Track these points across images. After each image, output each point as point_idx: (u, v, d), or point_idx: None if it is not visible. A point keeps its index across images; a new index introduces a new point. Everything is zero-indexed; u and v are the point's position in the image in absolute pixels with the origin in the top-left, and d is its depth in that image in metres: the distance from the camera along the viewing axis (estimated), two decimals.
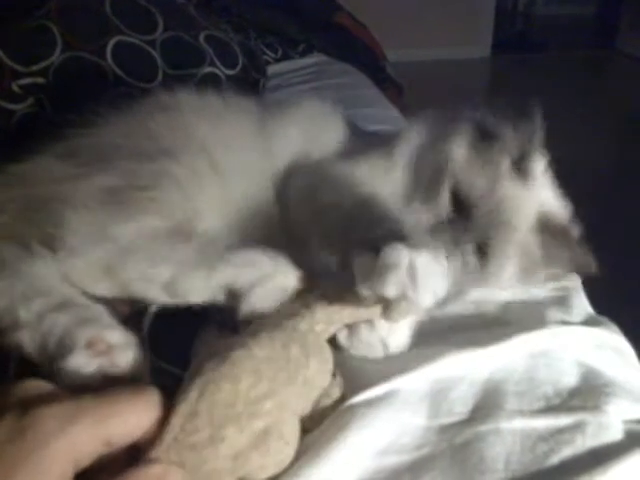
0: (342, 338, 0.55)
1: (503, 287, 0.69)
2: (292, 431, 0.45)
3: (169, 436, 0.38)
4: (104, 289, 0.55)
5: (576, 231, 0.69)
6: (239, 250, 0.55)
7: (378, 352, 0.56)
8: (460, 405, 0.53)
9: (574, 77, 4.16)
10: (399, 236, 0.50)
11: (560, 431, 0.50)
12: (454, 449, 0.49)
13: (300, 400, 0.47)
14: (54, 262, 0.54)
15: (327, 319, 0.50)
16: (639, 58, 4.45)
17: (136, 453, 0.39)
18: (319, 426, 0.49)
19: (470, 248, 0.64)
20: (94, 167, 0.62)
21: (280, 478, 0.44)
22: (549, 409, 0.53)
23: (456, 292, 0.62)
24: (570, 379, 0.57)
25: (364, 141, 0.76)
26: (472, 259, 0.64)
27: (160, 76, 1.15)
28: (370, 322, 0.54)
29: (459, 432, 0.51)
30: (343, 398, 0.52)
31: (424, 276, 0.46)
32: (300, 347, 0.47)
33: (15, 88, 1.03)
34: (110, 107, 0.70)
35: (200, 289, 0.53)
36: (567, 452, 0.48)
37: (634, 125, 3.33)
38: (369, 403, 0.51)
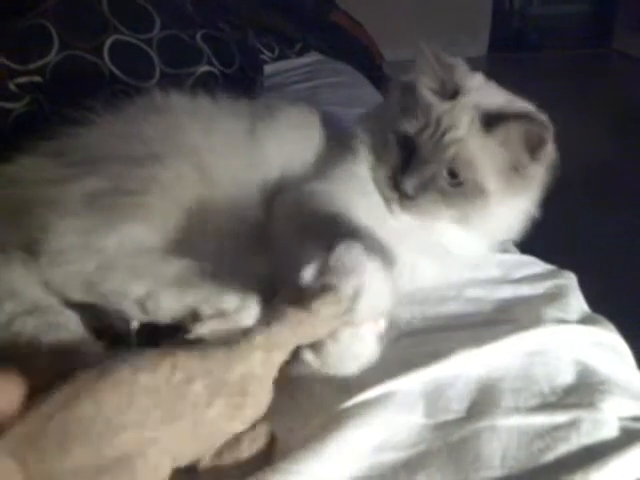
0: (310, 359, 0.51)
1: (513, 206, 0.71)
2: (153, 470, 0.41)
3: (20, 429, 0.36)
4: (81, 298, 0.55)
5: (532, 112, 0.71)
6: (215, 277, 0.54)
7: (351, 365, 0.51)
8: (457, 403, 0.54)
9: (570, 76, 4.16)
10: (353, 237, 0.52)
11: (555, 428, 0.51)
12: (450, 446, 0.49)
13: (186, 441, 0.42)
14: (35, 268, 0.55)
15: (266, 344, 0.46)
16: (634, 57, 4.46)
17: None
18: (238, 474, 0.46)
19: (435, 179, 0.68)
20: (83, 168, 0.62)
21: (276, 474, 0.45)
22: (545, 406, 0.53)
23: (461, 220, 0.70)
24: (566, 377, 0.58)
25: (339, 141, 0.77)
26: (447, 187, 0.68)
27: (157, 75, 1.14)
28: (332, 335, 0.50)
29: (455, 429, 0.51)
30: (267, 454, 0.47)
31: (350, 268, 0.48)
32: (209, 385, 0.43)
33: (12, 87, 1.03)
34: (105, 106, 0.70)
35: (169, 309, 0.52)
36: (562, 449, 0.49)
37: (631, 123, 3.33)
38: (365, 404, 0.52)
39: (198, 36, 1.25)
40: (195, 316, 0.51)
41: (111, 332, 0.54)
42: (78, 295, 0.55)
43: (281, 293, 0.50)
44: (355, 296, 0.47)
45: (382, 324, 0.53)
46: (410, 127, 0.70)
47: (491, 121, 0.68)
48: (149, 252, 0.58)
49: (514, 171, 0.69)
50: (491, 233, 0.73)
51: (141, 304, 0.53)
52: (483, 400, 0.54)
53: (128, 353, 0.43)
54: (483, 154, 0.68)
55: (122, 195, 0.61)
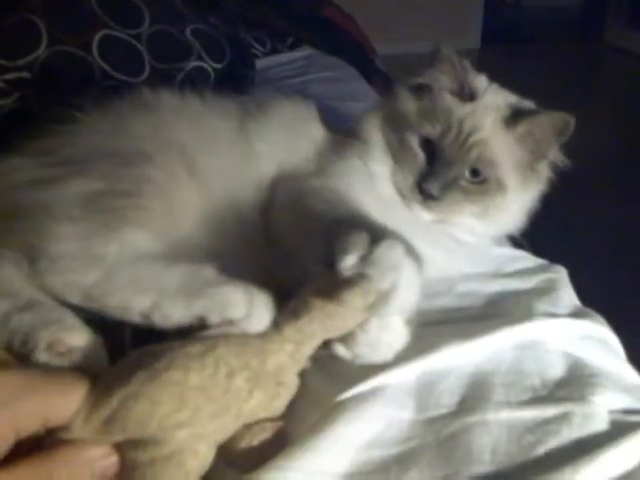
0: (342, 352, 0.51)
1: (523, 200, 0.74)
2: (200, 460, 0.43)
3: (87, 428, 0.39)
4: (81, 305, 0.54)
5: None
6: (221, 283, 0.54)
7: (384, 353, 0.52)
8: (447, 397, 0.54)
9: (563, 68, 4.17)
10: (386, 233, 0.53)
11: (546, 422, 0.51)
12: (441, 441, 0.49)
13: (228, 432, 0.45)
14: (28, 269, 0.54)
15: (297, 336, 0.47)
16: (626, 50, 4.47)
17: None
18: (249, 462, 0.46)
19: (458, 179, 0.70)
20: (71, 168, 0.62)
21: (268, 471, 0.45)
22: (536, 400, 0.53)
23: (483, 216, 0.72)
24: (557, 370, 0.58)
25: (343, 136, 0.77)
26: (470, 186, 0.71)
27: (147, 70, 1.14)
28: (361, 326, 0.50)
29: (446, 424, 0.51)
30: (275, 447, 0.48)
31: (391, 264, 0.49)
32: (249, 377, 0.44)
33: (0, 83, 1.02)
34: (94, 103, 0.69)
35: (176, 318, 0.52)
36: (553, 443, 0.49)
37: (622, 116, 3.35)
38: (357, 398, 0.52)
39: (188, 31, 1.24)
40: (202, 322, 0.51)
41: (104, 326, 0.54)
42: (77, 302, 0.54)
43: (308, 286, 0.50)
44: (389, 292, 0.49)
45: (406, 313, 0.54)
46: (433, 131, 0.71)
47: (512, 119, 0.70)
48: (149, 259, 0.57)
49: (527, 167, 0.72)
50: (501, 225, 0.76)
51: (146, 316, 0.52)
52: (474, 395, 0.54)
53: (159, 347, 0.44)
54: (504, 151, 0.71)
55: (118, 197, 0.60)
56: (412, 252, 0.54)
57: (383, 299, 0.49)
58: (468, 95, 0.72)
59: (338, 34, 2.07)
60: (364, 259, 0.50)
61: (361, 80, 1.74)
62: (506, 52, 4.55)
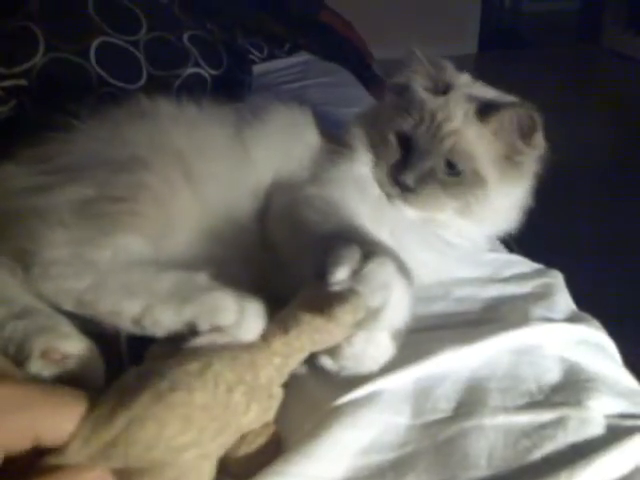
0: (328, 364, 0.51)
1: (509, 197, 0.73)
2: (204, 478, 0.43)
3: (84, 453, 0.37)
4: (74, 311, 0.54)
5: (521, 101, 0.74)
6: (212, 289, 0.53)
7: (369, 365, 0.52)
8: (444, 402, 0.54)
9: (560, 73, 4.18)
10: (378, 249, 0.54)
11: (542, 427, 0.51)
12: (437, 446, 0.50)
13: (226, 447, 0.45)
14: (23, 276, 0.54)
15: (285, 350, 0.47)
16: (623, 54, 4.48)
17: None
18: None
19: (434, 171, 0.70)
20: (67, 175, 0.62)
21: (266, 476, 0.45)
22: (532, 405, 0.54)
23: (467, 213, 0.72)
24: (553, 375, 0.58)
25: (335, 141, 0.78)
26: (447, 178, 0.70)
27: (144, 77, 1.14)
28: (347, 339, 0.50)
29: (442, 429, 0.51)
30: (271, 452, 0.48)
31: (382, 282, 0.49)
32: (245, 391, 0.44)
33: None
34: (91, 110, 0.69)
35: (166, 324, 0.51)
36: (549, 447, 0.49)
37: (620, 120, 3.35)
38: (353, 404, 0.52)
39: (185, 37, 1.24)
40: (192, 329, 0.51)
41: (101, 335, 0.54)
42: (70, 309, 0.54)
43: (298, 298, 0.50)
44: (379, 310, 0.49)
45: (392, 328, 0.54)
46: (406, 124, 0.72)
47: (484, 111, 0.70)
48: (142, 265, 0.57)
49: (508, 160, 0.71)
50: (491, 223, 0.75)
51: (137, 322, 0.52)
52: (470, 399, 0.54)
53: (157, 365, 0.43)
54: (479, 144, 0.70)
55: (111, 203, 0.60)
56: (403, 268, 0.53)
57: (372, 316, 0.49)
58: (442, 89, 0.74)
59: (336, 40, 2.07)
60: (355, 274, 0.50)
61: (358, 86, 1.74)
62: (503, 57, 4.56)
